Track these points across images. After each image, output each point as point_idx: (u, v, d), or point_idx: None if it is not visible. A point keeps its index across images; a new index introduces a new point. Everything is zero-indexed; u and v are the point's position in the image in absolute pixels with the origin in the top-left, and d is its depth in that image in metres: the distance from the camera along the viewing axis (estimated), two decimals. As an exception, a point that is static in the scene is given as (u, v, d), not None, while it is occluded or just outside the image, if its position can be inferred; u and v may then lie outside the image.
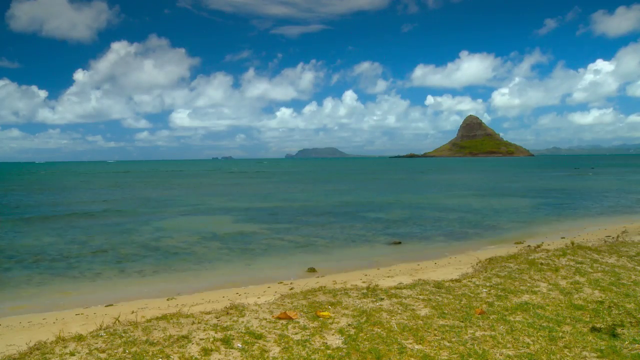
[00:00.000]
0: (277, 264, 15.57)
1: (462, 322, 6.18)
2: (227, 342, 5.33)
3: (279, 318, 6.18)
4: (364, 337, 5.61)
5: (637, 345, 5.48)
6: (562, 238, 17.92)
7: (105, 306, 11.01)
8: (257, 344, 5.32)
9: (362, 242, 19.37)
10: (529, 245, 13.74)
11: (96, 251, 17.75)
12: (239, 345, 5.30)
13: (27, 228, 23.85)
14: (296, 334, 5.67)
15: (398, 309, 6.74)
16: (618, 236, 14.36)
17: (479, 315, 6.45)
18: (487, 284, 8.18)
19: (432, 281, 8.49)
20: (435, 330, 5.88)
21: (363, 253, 17.24)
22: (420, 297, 7.38)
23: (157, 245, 18.80)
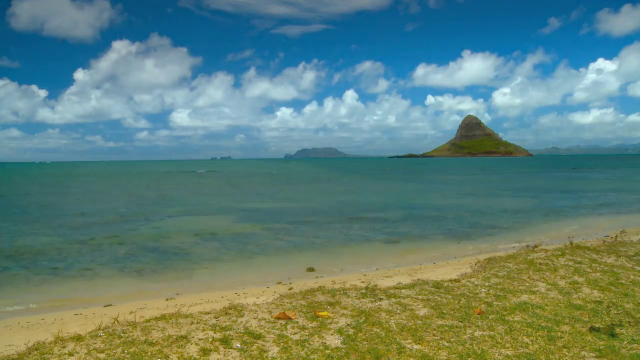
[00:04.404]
0: (276, 264, 15.57)
1: (461, 322, 6.19)
2: (226, 342, 5.33)
3: (278, 318, 6.18)
4: (363, 337, 5.61)
5: (635, 345, 5.49)
6: (560, 238, 17.94)
7: (104, 306, 11.00)
8: (256, 344, 5.32)
9: (361, 242, 19.37)
10: (527, 245, 13.76)
11: (95, 251, 17.74)
12: (238, 345, 5.30)
13: (26, 228, 23.83)
14: (295, 334, 5.67)
15: (397, 309, 6.75)
16: (617, 236, 14.36)
17: (478, 315, 6.45)
18: (486, 284, 8.19)
19: (431, 281, 8.50)
20: (434, 330, 5.88)
21: (362, 253, 17.25)
22: (419, 297, 7.38)
23: (156, 246, 18.79)
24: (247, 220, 25.93)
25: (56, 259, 16.51)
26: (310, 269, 14.53)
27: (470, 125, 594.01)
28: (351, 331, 5.78)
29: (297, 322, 6.06)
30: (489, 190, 46.15)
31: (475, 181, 64.58)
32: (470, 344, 5.44)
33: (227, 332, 5.61)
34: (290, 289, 11.03)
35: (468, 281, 8.45)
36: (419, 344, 5.47)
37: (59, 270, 14.90)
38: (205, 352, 5.08)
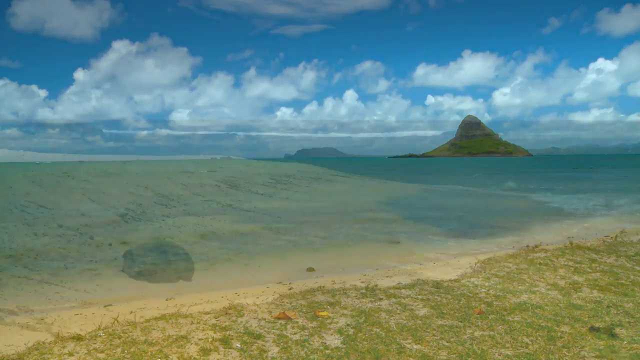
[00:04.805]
0: (275, 264, 15.57)
1: (461, 322, 6.19)
2: (225, 342, 5.33)
3: (278, 318, 6.18)
4: (363, 337, 5.61)
5: (635, 345, 5.49)
6: (560, 238, 17.94)
7: (104, 306, 10.99)
8: (256, 344, 5.32)
9: (361, 242, 19.37)
10: (527, 245, 13.78)
11: (95, 251, 17.74)
12: (238, 345, 5.30)
13: (26, 228, 23.82)
14: (295, 334, 5.67)
15: (397, 309, 6.75)
16: (616, 236, 14.38)
17: (478, 315, 6.45)
18: (486, 284, 8.19)
19: (431, 281, 8.51)
20: (434, 330, 5.88)
21: (362, 253, 17.24)
22: (419, 297, 7.39)
23: (156, 246, 18.79)
24: (247, 221, 25.92)
25: (56, 258, 16.51)
26: (310, 269, 14.53)
27: (470, 125, 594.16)
28: (351, 331, 5.78)
29: (297, 322, 6.06)
30: (489, 190, 46.15)
31: (476, 181, 64.61)
32: (470, 344, 5.44)
33: (227, 332, 5.62)
34: (290, 289, 11.03)
35: (468, 281, 8.45)
36: (419, 344, 5.47)
37: (58, 270, 14.90)
38: (205, 352, 5.09)
